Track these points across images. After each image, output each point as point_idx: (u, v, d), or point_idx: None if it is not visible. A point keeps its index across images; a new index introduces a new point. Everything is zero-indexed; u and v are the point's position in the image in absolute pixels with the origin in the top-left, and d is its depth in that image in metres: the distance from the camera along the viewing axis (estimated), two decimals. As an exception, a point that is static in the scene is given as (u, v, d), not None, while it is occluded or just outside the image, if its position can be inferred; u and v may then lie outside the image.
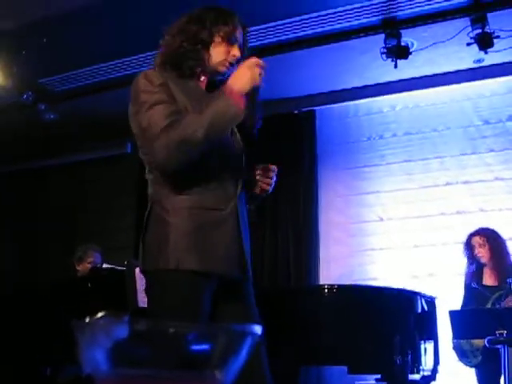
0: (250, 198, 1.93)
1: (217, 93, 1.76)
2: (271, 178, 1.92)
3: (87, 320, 0.40)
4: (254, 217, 1.98)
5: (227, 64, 1.86)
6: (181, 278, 1.69)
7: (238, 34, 1.90)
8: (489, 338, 3.19)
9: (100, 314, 0.40)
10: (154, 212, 1.77)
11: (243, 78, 1.70)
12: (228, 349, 0.41)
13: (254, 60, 1.73)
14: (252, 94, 1.76)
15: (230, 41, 1.86)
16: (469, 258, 4.09)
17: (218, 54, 1.86)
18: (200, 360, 0.41)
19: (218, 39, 1.85)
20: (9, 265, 6.33)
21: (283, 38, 4.59)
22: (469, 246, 4.08)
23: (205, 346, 0.41)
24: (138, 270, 3.00)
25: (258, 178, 1.91)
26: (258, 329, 0.41)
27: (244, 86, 1.70)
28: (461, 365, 3.92)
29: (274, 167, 1.93)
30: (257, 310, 1.85)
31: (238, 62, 1.85)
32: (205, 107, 1.70)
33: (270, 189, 1.94)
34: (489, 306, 3.79)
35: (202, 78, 1.89)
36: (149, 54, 4.94)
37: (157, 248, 1.73)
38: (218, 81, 1.90)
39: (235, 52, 1.87)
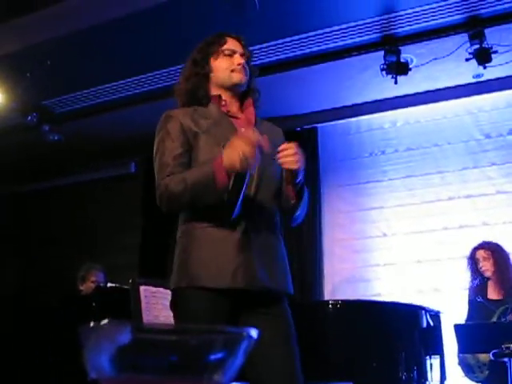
0: (285, 184, 1.90)
1: (209, 161, 1.81)
2: (292, 155, 1.81)
3: (92, 325, 0.42)
4: (291, 201, 1.90)
5: (237, 71, 1.96)
6: (191, 296, 1.77)
7: (233, 45, 2.00)
8: (494, 351, 3.18)
9: (104, 321, 0.42)
10: (177, 235, 1.91)
11: (233, 156, 1.69)
12: (225, 352, 0.43)
13: (246, 140, 1.70)
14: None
15: (229, 52, 1.97)
16: (473, 272, 4.08)
17: (219, 67, 1.96)
18: (199, 364, 0.43)
19: (216, 56, 1.97)
20: (12, 284, 6.34)
21: (284, 56, 4.65)
22: (473, 259, 4.07)
23: (203, 350, 0.43)
24: (142, 288, 3.01)
25: (280, 161, 1.82)
26: (253, 332, 0.43)
27: (232, 164, 1.69)
28: (467, 380, 3.89)
29: (290, 145, 1.83)
30: (286, 322, 1.85)
31: (250, 70, 1.99)
32: (195, 169, 1.82)
33: (298, 164, 1.81)
34: (494, 320, 3.78)
35: (223, 103, 1.97)
36: (149, 75, 5.01)
37: (176, 268, 1.85)
38: (244, 92, 2.00)
39: (239, 59, 1.97)
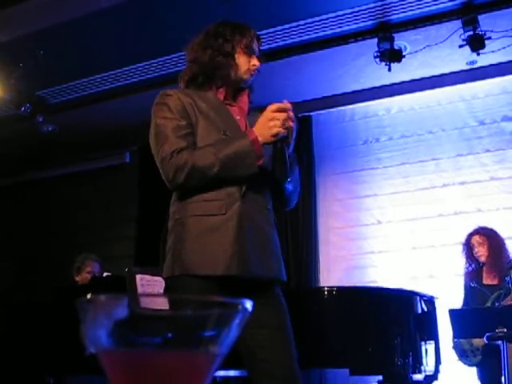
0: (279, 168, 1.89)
1: (241, 133, 1.87)
2: (286, 119, 1.82)
3: (89, 299, 0.43)
4: (281, 172, 1.86)
5: (250, 72, 2.00)
6: (184, 284, 1.77)
7: (255, 45, 2.03)
8: (488, 334, 3.21)
9: (102, 295, 0.43)
10: (169, 224, 1.90)
11: (266, 129, 1.78)
12: (220, 322, 0.44)
13: (278, 114, 1.80)
14: (280, 146, 1.84)
15: (249, 51, 2.00)
16: (468, 258, 4.11)
17: (243, 63, 1.99)
18: (195, 336, 0.44)
19: (239, 50, 1.99)
20: (7, 275, 6.34)
21: (278, 44, 4.64)
22: (468, 245, 4.09)
23: (198, 322, 0.44)
24: (138, 277, 3.02)
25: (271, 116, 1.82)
26: (248, 304, 0.44)
27: (267, 138, 1.79)
28: (462, 364, 3.93)
29: (283, 105, 1.83)
30: (281, 309, 1.87)
31: (258, 70, 2.02)
32: (225, 143, 1.81)
33: (293, 125, 1.85)
34: (488, 304, 3.81)
35: (221, 90, 1.99)
36: (144, 64, 4.99)
37: (169, 256, 1.85)
38: (240, 89, 2.03)
39: (255, 62, 2.00)
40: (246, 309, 0.45)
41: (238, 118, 1.97)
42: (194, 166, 1.77)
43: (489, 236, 4.03)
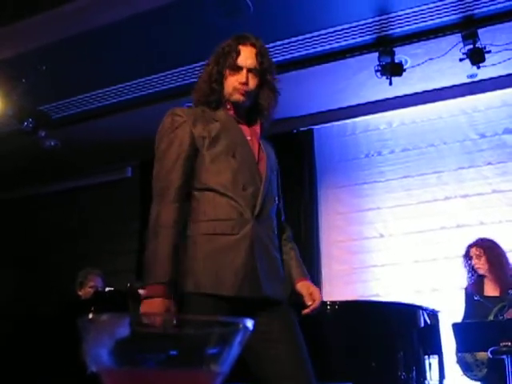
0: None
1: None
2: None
3: (91, 318, 0.43)
4: None
5: (240, 92, 1.96)
6: (196, 301, 1.77)
7: (244, 57, 1.97)
8: (492, 348, 3.19)
9: (104, 315, 0.43)
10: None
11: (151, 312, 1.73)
12: (222, 341, 0.44)
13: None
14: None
15: (234, 69, 1.96)
16: (468, 270, 4.10)
17: (228, 85, 1.97)
18: (197, 355, 0.44)
19: (226, 72, 1.97)
20: (9, 290, 6.33)
21: (279, 58, 4.66)
22: (467, 257, 4.09)
23: (200, 341, 0.44)
24: (140, 291, 3.01)
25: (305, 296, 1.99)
26: (249, 323, 0.44)
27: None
28: (466, 379, 3.90)
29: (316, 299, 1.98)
30: (293, 329, 1.88)
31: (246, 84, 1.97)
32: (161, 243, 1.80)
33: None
34: (491, 317, 3.78)
35: (228, 107, 1.99)
36: (146, 79, 5.02)
37: (180, 273, 1.82)
38: (246, 107, 2.02)
39: (241, 78, 1.95)
40: (246, 327, 0.45)
41: (249, 138, 1.97)
42: (151, 224, 1.81)
43: (486, 248, 4.01)
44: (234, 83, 1.95)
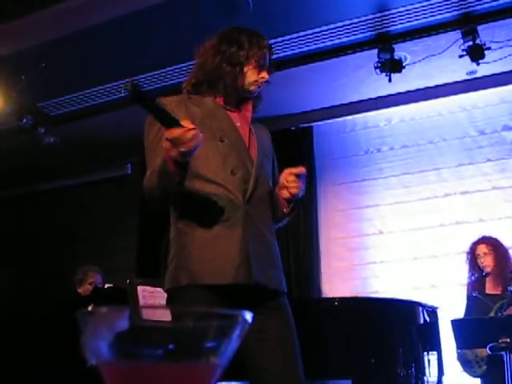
0: (281, 203, 1.93)
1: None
2: (298, 182, 1.86)
3: (90, 311, 0.43)
4: (289, 213, 1.95)
5: (258, 84, 1.97)
6: (192, 294, 1.75)
7: (267, 57, 2.00)
8: (491, 345, 3.20)
9: (102, 307, 0.43)
10: (171, 234, 1.88)
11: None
12: (220, 334, 0.44)
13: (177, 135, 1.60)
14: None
15: (261, 64, 1.96)
16: (471, 267, 4.08)
17: (251, 75, 1.95)
18: (196, 348, 0.44)
19: (252, 62, 1.95)
20: (9, 288, 6.34)
21: (277, 56, 4.66)
22: (473, 254, 4.07)
23: (199, 333, 0.44)
24: (139, 288, 3.02)
25: (284, 183, 1.86)
26: (248, 315, 0.44)
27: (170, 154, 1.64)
28: (465, 375, 3.90)
29: (300, 171, 1.86)
30: (287, 320, 1.86)
31: (267, 82, 1.99)
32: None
33: (300, 192, 1.87)
34: (492, 314, 3.78)
35: (220, 95, 1.96)
36: (148, 74, 5.02)
37: (173, 266, 1.82)
38: (245, 97, 2.00)
39: (265, 75, 1.97)
40: (245, 320, 0.45)
41: (239, 124, 1.94)
42: (146, 190, 1.78)
43: (495, 246, 4.01)
44: (256, 77, 1.95)
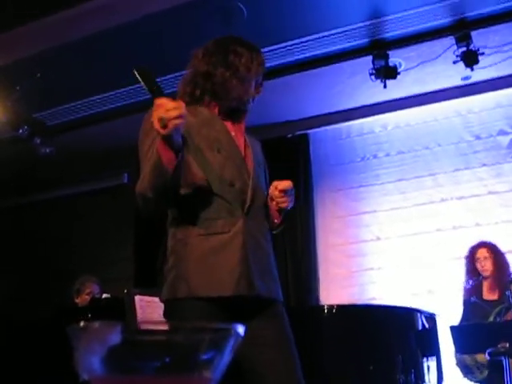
0: (273, 213, 1.95)
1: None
2: (287, 195, 1.89)
3: (82, 326, 0.43)
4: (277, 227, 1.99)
5: (254, 97, 1.99)
6: (190, 306, 1.73)
7: (260, 72, 1.98)
8: (489, 350, 3.19)
9: (95, 322, 0.43)
10: (169, 244, 1.86)
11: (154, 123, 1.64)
12: (213, 347, 0.44)
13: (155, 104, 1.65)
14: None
15: (259, 78, 1.97)
16: (469, 272, 4.08)
17: (252, 89, 1.96)
18: (189, 362, 0.44)
19: (254, 77, 1.95)
20: (6, 297, 6.31)
21: (273, 63, 4.67)
22: (472, 258, 4.06)
23: (191, 347, 0.44)
24: (137, 298, 3.01)
25: (273, 196, 1.89)
26: (240, 328, 0.44)
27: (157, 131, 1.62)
28: (465, 381, 3.89)
29: (285, 187, 1.88)
30: (284, 328, 1.85)
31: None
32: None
33: (290, 204, 1.91)
34: (491, 319, 3.77)
35: (214, 104, 1.95)
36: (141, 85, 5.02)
37: (172, 277, 1.80)
38: (240, 110, 1.99)
39: (260, 89, 1.99)
40: (237, 333, 0.45)
41: (234, 134, 1.93)
42: (138, 194, 1.75)
43: (494, 250, 4.02)
44: (254, 89, 1.96)
